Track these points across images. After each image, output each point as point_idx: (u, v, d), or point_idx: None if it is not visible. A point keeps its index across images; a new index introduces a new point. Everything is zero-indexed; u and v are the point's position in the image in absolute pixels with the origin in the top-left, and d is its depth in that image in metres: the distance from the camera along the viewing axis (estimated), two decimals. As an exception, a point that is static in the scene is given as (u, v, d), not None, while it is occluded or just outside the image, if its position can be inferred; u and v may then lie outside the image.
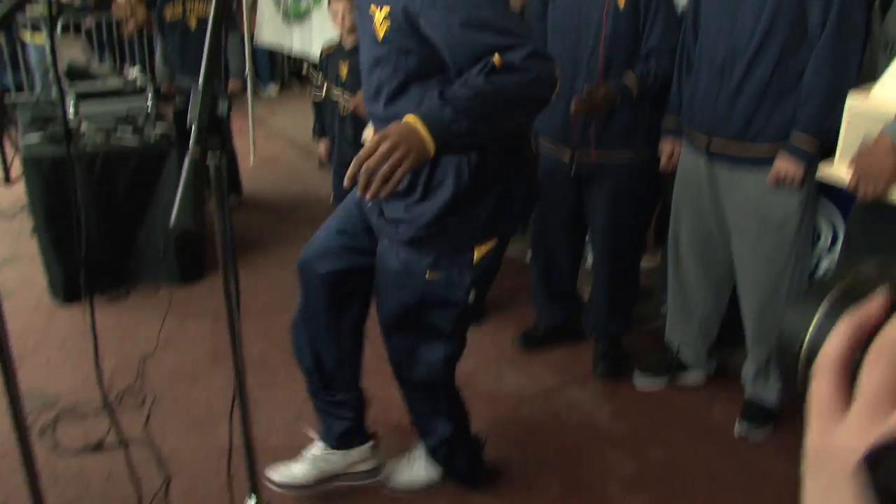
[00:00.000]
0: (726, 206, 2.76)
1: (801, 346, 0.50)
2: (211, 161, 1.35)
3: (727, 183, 2.70)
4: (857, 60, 2.44)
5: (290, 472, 2.59)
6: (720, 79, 2.60)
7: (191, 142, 1.33)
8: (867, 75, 2.44)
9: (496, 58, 1.76)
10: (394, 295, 2.25)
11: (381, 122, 2.05)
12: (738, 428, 2.92)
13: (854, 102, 2.10)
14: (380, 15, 1.93)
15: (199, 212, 1.32)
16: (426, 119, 1.74)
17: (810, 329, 0.50)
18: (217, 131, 1.35)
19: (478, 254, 2.14)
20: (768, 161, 2.56)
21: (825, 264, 2.94)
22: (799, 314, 0.51)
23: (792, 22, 2.45)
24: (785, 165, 2.52)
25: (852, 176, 2.06)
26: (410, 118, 1.75)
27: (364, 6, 2.00)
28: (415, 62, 1.95)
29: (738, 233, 2.76)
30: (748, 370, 2.96)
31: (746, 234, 2.73)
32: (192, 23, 4.72)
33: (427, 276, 2.15)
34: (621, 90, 2.87)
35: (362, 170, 1.68)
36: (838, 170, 2.16)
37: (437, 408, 2.49)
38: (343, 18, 3.68)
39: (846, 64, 2.42)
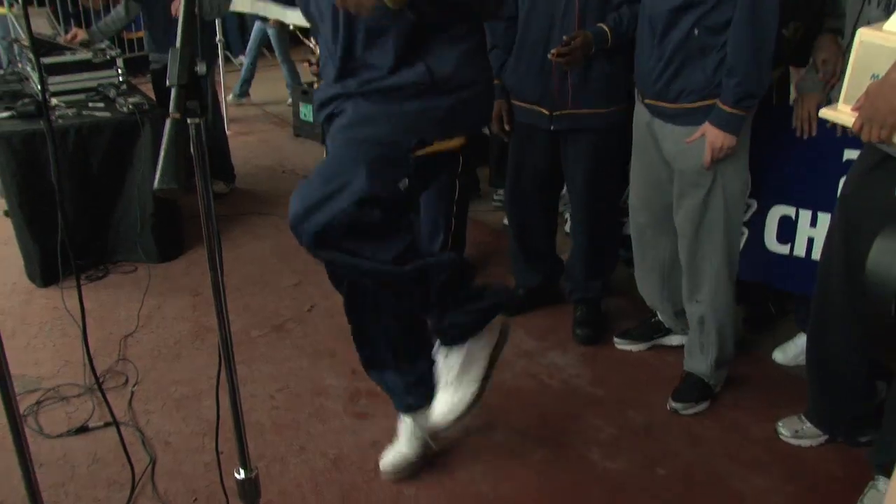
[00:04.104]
0: (668, 158, 2.73)
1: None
2: (192, 126, 1.34)
3: (663, 136, 2.69)
4: (775, 20, 2.39)
5: (399, 451, 2.55)
6: (651, 37, 2.59)
7: (171, 103, 1.33)
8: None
9: None
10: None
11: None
12: (671, 406, 2.87)
13: (866, 36, 1.87)
14: None
15: (182, 174, 1.31)
16: None
17: None
18: (197, 93, 1.35)
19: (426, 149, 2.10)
20: (695, 113, 2.53)
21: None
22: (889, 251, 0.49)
23: None
24: (718, 140, 2.48)
25: (858, 116, 1.88)
26: None
27: None
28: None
29: (681, 184, 2.71)
30: (692, 341, 2.92)
31: (688, 187, 2.68)
32: None
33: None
34: (597, 33, 2.87)
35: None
36: (843, 111, 1.96)
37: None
38: None
39: (765, 24, 2.37)
